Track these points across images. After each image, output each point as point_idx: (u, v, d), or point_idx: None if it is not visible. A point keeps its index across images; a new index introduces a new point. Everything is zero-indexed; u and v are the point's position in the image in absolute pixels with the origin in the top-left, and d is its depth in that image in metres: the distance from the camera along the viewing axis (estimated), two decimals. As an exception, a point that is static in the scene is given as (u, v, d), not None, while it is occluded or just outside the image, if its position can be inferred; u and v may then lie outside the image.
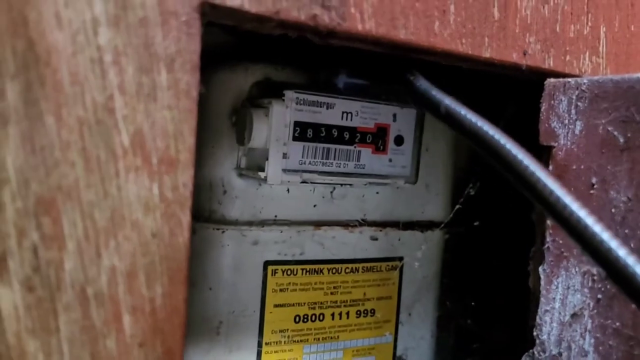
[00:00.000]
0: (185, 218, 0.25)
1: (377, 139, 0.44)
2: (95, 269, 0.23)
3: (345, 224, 0.46)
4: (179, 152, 0.24)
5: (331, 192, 0.45)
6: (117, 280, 0.24)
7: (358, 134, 0.44)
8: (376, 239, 0.47)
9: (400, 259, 0.49)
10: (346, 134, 0.43)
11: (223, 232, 0.42)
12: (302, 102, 0.41)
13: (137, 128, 0.24)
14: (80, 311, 0.23)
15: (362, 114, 0.44)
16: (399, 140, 0.45)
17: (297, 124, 0.41)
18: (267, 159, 0.40)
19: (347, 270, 0.47)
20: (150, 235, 0.24)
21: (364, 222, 0.47)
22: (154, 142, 0.24)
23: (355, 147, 0.44)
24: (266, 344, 0.44)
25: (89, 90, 0.22)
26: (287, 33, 0.28)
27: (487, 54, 0.30)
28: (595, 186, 0.27)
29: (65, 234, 0.22)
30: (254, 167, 0.41)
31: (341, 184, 0.45)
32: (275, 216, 0.44)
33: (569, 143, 0.29)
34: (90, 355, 0.23)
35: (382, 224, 0.47)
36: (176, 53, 0.24)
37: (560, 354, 0.30)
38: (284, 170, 0.41)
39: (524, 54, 0.31)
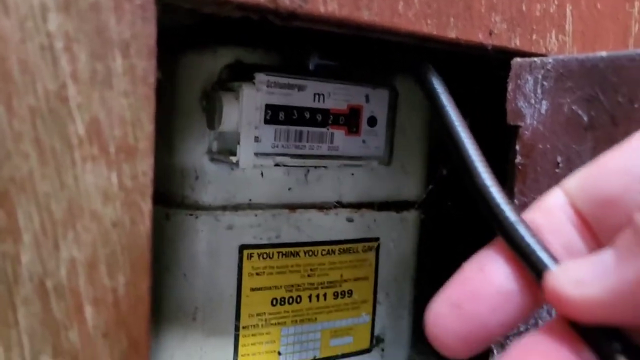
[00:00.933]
0: (147, 206, 0.24)
1: (350, 120, 0.44)
2: (54, 261, 0.23)
3: (321, 207, 0.46)
4: (138, 139, 0.24)
5: (305, 175, 0.45)
6: (77, 272, 0.23)
7: (331, 116, 0.43)
8: (352, 221, 0.47)
9: (377, 239, 0.49)
10: (319, 116, 0.43)
11: (197, 217, 0.42)
12: (273, 84, 0.41)
13: (92, 116, 0.23)
14: (39, 304, 0.23)
15: (335, 95, 0.43)
16: (372, 122, 0.45)
17: (268, 106, 0.41)
18: (239, 143, 0.40)
19: (324, 252, 0.47)
20: (111, 225, 0.24)
21: (339, 204, 0.47)
22: (111, 131, 0.23)
23: (328, 129, 0.43)
24: (243, 327, 0.44)
25: (40, 79, 0.22)
26: (249, 15, 0.27)
27: (452, 34, 0.29)
28: (560, 165, 0.27)
29: (20, 227, 0.22)
30: (225, 152, 0.41)
31: (315, 167, 0.45)
32: (250, 200, 0.43)
33: (535, 122, 0.29)
34: (52, 348, 0.23)
35: (357, 206, 0.47)
36: (131, 38, 0.24)
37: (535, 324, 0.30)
38: (256, 154, 0.41)
39: (490, 34, 0.30)
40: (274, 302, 0.45)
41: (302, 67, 0.43)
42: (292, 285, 0.46)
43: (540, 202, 0.17)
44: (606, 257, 0.13)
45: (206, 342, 0.43)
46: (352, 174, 0.47)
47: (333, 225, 0.46)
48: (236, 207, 0.43)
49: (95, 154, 0.23)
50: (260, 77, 0.40)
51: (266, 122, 0.41)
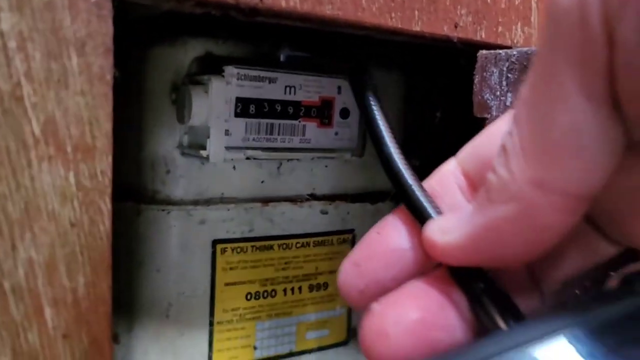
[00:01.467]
0: (106, 206, 0.24)
1: (322, 112, 0.44)
2: (11, 262, 0.23)
3: (294, 199, 0.46)
4: (95, 138, 0.24)
5: (278, 168, 0.45)
6: (35, 273, 0.23)
7: (302, 108, 0.43)
8: (326, 213, 0.47)
9: (351, 231, 0.49)
10: (290, 109, 0.43)
11: (168, 212, 0.42)
12: (243, 77, 0.41)
13: (48, 116, 0.23)
14: (-3, 306, 0.22)
15: (306, 87, 0.43)
16: (344, 113, 0.45)
17: (238, 99, 0.41)
18: (209, 137, 0.39)
19: (298, 245, 0.47)
20: (69, 225, 0.24)
21: (313, 197, 0.46)
22: (68, 130, 0.23)
23: (299, 121, 0.43)
24: (218, 323, 0.44)
25: (-8, 79, 0.22)
26: (210, 12, 0.27)
27: (417, 27, 0.29)
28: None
29: (-25, 229, 0.22)
30: (196, 146, 0.41)
31: (288, 160, 0.45)
32: (222, 194, 0.43)
33: (501, 114, 0.29)
34: (11, 350, 0.23)
35: (331, 198, 0.47)
36: (87, 36, 0.23)
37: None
38: (227, 148, 0.40)
39: (455, 27, 0.30)
40: (249, 296, 0.45)
41: (273, 59, 0.43)
42: (267, 279, 0.46)
43: (437, 170, 0.19)
44: (466, 210, 0.15)
45: (180, 337, 0.43)
46: (326, 166, 0.46)
47: (307, 218, 0.46)
48: (208, 202, 0.43)
49: (52, 153, 0.23)
50: (229, 70, 0.40)
51: (237, 115, 0.41)
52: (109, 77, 0.24)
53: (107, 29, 0.24)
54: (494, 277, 0.16)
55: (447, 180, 0.19)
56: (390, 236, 0.19)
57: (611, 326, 0.13)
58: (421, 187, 0.19)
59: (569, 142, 0.13)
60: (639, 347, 0.12)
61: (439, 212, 0.18)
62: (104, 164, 0.24)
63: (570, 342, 0.12)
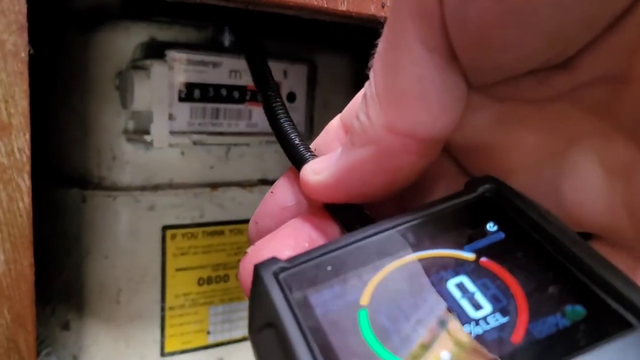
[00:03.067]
0: (25, 183, 0.24)
1: (269, 96, 0.44)
2: None
3: (244, 184, 0.46)
4: (11, 116, 0.24)
5: (227, 153, 0.45)
6: (-48, 250, 0.23)
7: (248, 92, 0.43)
8: (277, 198, 0.47)
9: (303, 215, 0.49)
10: (235, 93, 0.43)
11: (115, 198, 0.42)
12: (186, 61, 0.41)
13: (-40, 93, 0.23)
14: None
15: (252, 72, 0.43)
16: (291, 97, 0.45)
17: (182, 84, 0.41)
18: (152, 122, 0.40)
19: (250, 230, 0.47)
20: (-13, 202, 0.24)
21: (263, 182, 0.47)
22: (-18, 107, 0.23)
23: (246, 105, 0.43)
24: (170, 308, 0.44)
25: None
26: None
27: (343, 7, 0.29)
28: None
29: None
30: (140, 131, 0.41)
31: (236, 144, 0.45)
32: (171, 180, 0.43)
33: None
34: None
35: (282, 182, 0.47)
36: (-1, 13, 0.23)
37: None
38: (172, 133, 0.41)
39: (383, 6, 0.31)
40: (201, 281, 0.45)
41: (218, 43, 0.43)
42: (219, 264, 0.46)
43: (325, 127, 0.20)
44: (335, 153, 0.17)
45: (131, 323, 0.43)
46: (275, 151, 0.47)
47: (258, 203, 0.46)
48: (156, 187, 0.43)
49: (-34, 130, 0.23)
50: (171, 54, 0.40)
51: (181, 100, 0.41)
52: (23, 55, 0.24)
53: (20, 6, 0.24)
54: (371, 212, 0.17)
55: (330, 136, 0.20)
56: (279, 194, 0.20)
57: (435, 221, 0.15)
58: (299, 138, 0.20)
59: (414, 89, 0.14)
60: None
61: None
62: (21, 141, 0.24)
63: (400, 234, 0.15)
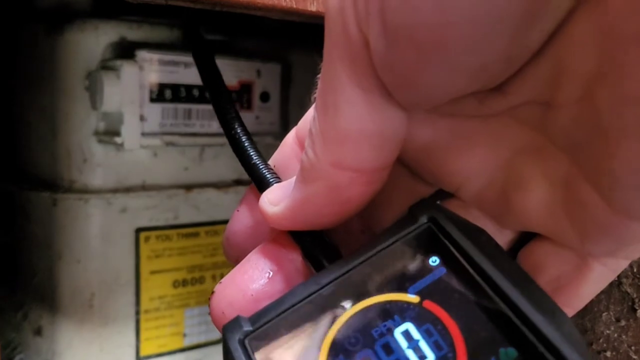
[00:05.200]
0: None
1: (242, 96, 0.44)
2: None
3: (219, 185, 0.45)
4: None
5: (201, 154, 0.44)
6: None
7: (221, 92, 0.43)
8: (253, 198, 0.47)
9: (280, 216, 0.48)
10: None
11: (86, 201, 0.41)
12: (157, 61, 0.40)
13: None
14: None
15: (224, 71, 0.42)
16: (264, 97, 0.44)
17: (153, 85, 0.40)
18: (123, 123, 0.39)
19: (226, 232, 0.46)
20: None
21: (238, 182, 0.46)
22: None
23: (219, 105, 0.43)
24: (145, 311, 0.44)
25: None
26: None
27: (313, 7, 0.29)
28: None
29: None
30: (111, 132, 0.40)
31: (210, 145, 0.44)
32: (144, 181, 0.43)
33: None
34: None
35: (257, 183, 0.47)
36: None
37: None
38: (143, 134, 0.40)
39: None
40: (176, 284, 0.45)
41: (189, 43, 0.42)
42: (194, 266, 0.45)
43: (282, 142, 0.21)
44: (289, 184, 0.17)
45: (105, 327, 0.42)
46: (250, 151, 0.46)
47: (233, 204, 0.46)
48: (129, 190, 0.42)
49: None
50: (142, 54, 0.39)
51: (152, 100, 0.40)
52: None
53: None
54: (330, 234, 0.18)
55: (286, 152, 0.20)
56: (244, 214, 0.20)
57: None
58: (261, 159, 0.20)
59: (354, 128, 0.15)
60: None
61: (278, 180, 0.19)
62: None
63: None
